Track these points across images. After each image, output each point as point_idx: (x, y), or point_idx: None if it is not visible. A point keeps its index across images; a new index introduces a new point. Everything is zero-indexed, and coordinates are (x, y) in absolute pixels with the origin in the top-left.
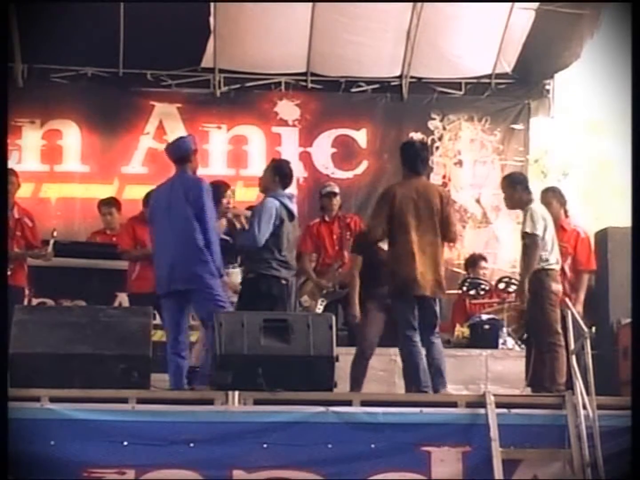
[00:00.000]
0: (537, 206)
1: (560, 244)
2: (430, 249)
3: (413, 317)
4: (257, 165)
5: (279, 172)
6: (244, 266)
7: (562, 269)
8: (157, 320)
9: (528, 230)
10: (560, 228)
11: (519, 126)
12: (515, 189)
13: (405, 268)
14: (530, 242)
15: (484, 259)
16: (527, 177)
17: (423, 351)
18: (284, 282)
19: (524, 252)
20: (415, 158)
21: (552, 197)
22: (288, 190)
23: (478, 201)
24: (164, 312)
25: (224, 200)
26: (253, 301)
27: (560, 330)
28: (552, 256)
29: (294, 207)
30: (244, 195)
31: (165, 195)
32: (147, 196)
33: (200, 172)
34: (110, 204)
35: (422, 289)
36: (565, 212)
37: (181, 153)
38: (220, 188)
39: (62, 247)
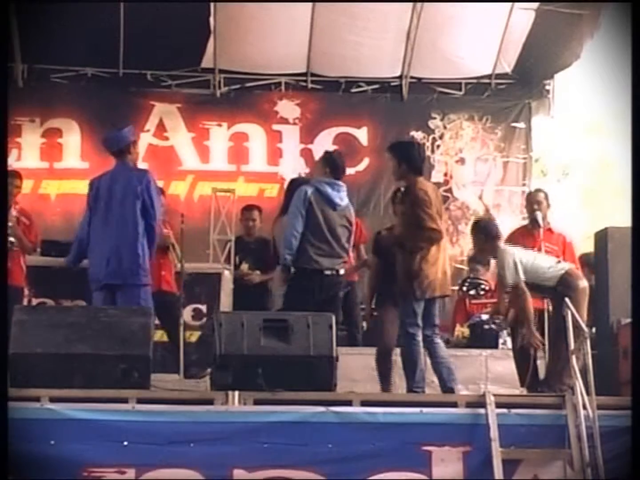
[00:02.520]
0: (504, 253)
1: (549, 245)
2: (444, 248)
3: (420, 316)
4: (258, 161)
5: (330, 164)
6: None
7: None
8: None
9: (511, 282)
10: (547, 231)
11: (520, 125)
12: (480, 238)
13: (438, 270)
14: (519, 292)
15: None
16: (496, 224)
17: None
18: (327, 272)
19: (520, 304)
20: (421, 158)
21: (544, 197)
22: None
23: (480, 198)
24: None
25: None
26: (298, 299)
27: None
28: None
29: (335, 194)
30: (245, 190)
31: (106, 187)
32: (90, 186)
33: (201, 167)
34: None
35: (448, 289)
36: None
37: (120, 145)
38: None
39: (62, 247)
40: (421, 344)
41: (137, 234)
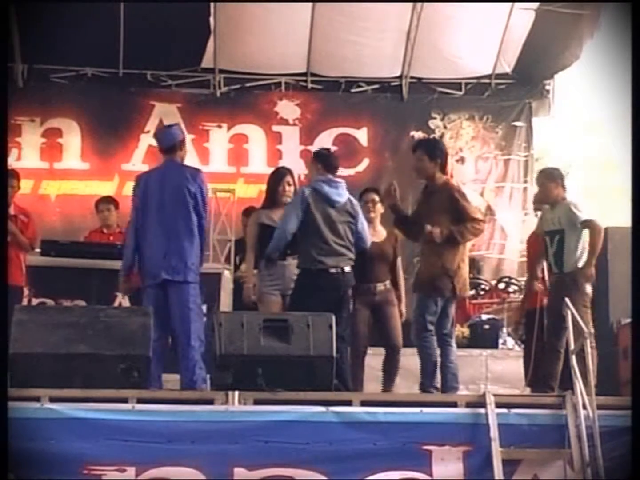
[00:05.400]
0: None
1: None
2: (462, 248)
3: (435, 318)
4: (257, 163)
5: (321, 160)
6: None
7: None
8: None
9: (585, 217)
10: None
11: (520, 123)
12: (556, 183)
13: (465, 266)
14: (596, 227)
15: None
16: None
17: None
18: (333, 270)
19: (593, 238)
20: (439, 155)
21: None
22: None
23: (482, 195)
24: (150, 303)
25: None
26: (303, 298)
27: (592, 331)
28: (583, 255)
29: (333, 191)
30: (245, 192)
31: (157, 183)
32: (137, 181)
33: (201, 169)
34: (108, 201)
35: (465, 289)
36: None
37: (171, 141)
38: None
39: (62, 247)
40: (435, 344)
41: (192, 231)
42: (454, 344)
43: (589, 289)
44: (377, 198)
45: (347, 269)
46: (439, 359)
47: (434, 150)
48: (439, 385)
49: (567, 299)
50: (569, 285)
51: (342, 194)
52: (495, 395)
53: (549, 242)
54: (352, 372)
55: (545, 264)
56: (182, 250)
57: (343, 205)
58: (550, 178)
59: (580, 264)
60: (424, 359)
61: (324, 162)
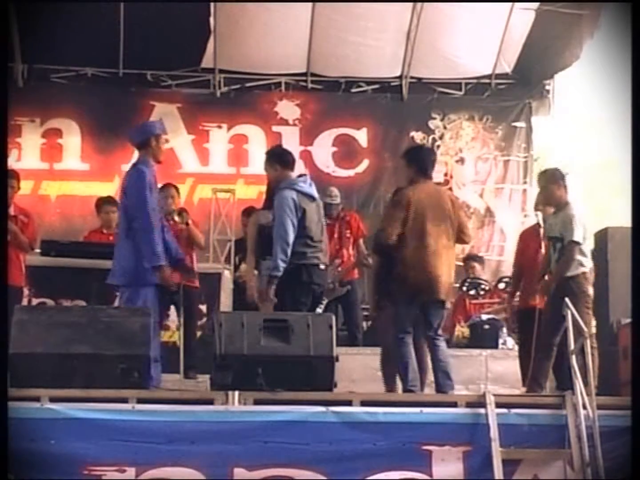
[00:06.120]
0: (576, 210)
1: None
2: (445, 252)
3: (410, 321)
4: (257, 164)
5: (276, 160)
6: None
7: None
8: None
9: (575, 238)
10: None
11: (520, 124)
12: (558, 185)
13: (419, 274)
14: (572, 249)
15: (478, 259)
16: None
17: (413, 351)
18: (322, 267)
19: (562, 257)
20: (426, 161)
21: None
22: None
23: (481, 196)
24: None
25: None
26: (294, 291)
27: (594, 332)
28: (587, 260)
29: (310, 189)
30: (245, 193)
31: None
32: None
33: (201, 170)
34: (110, 202)
35: (437, 293)
36: None
37: (138, 138)
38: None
39: (62, 247)
40: (412, 345)
41: (125, 233)
42: (441, 344)
43: (591, 290)
44: None
45: (323, 266)
46: (410, 359)
47: (414, 157)
48: (409, 383)
49: (567, 299)
50: (572, 287)
51: (313, 190)
52: (495, 395)
53: (552, 248)
54: (386, 371)
55: (547, 266)
56: (116, 253)
57: (318, 200)
58: (552, 180)
59: (583, 270)
60: (396, 360)
61: (280, 161)
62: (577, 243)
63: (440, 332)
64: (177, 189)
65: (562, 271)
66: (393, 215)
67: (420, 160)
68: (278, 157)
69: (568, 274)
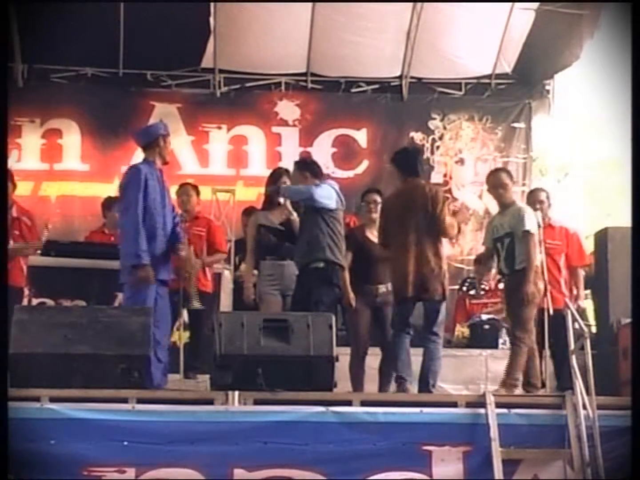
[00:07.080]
0: (524, 204)
1: (552, 242)
2: (415, 249)
3: (404, 319)
4: (257, 165)
5: (307, 169)
6: (301, 255)
7: (557, 266)
8: None
9: (527, 228)
10: (547, 227)
11: (520, 125)
12: (511, 184)
13: (394, 273)
14: (528, 239)
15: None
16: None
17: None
18: (339, 268)
19: (521, 250)
20: (410, 162)
21: (546, 197)
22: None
23: (480, 197)
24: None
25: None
26: (320, 290)
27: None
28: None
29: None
30: (245, 195)
31: None
32: None
33: (201, 171)
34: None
35: (405, 291)
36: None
37: (145, 139)
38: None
39: (62, 247)
40: (407, 342)
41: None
42: (430, 345)
43: (531, 287)
44: (379, 199)
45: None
46: (402, 351)
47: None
48: (398, 372)
49: (567, 299)
50: (521, 281)
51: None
52: (495, 395)
53: (500, 247)
54: (354, 372)
55: (495, 269)
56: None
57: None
58: (507, 179)
59: (524, 264)
60: (385, 350)
61: (311, 170)
62: (531, 233)
63: (435, 330)
64: (195, 188)
65: (532, 261)
66: (379, 224)
67: (404, 163)
68: (309, 167)
69: (520, 266)
